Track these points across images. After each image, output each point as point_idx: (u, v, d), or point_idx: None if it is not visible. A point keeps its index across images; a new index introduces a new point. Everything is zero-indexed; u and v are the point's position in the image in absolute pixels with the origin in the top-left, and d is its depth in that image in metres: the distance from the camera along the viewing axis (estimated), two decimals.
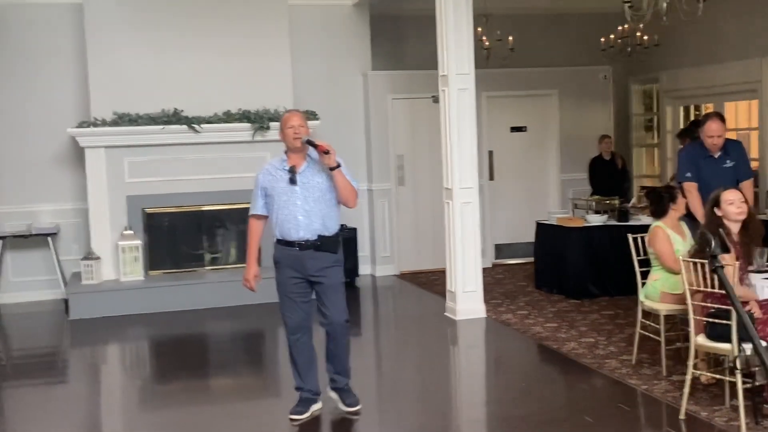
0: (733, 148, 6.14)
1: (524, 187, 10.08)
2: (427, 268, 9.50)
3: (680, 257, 4.64)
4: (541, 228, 8.36)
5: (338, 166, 4.61)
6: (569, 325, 6.79)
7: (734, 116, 9.44)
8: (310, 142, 4.63)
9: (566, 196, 9.92)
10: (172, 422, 4.99)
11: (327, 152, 4.56)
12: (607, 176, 9.53)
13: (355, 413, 4.81)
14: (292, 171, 4.65)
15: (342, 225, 8.86)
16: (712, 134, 5.96)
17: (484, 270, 8.43)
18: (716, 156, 6.05)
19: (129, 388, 6.00)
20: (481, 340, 6.82)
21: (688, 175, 6.06)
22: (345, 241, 8.74)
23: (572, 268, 7.83)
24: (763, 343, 4.38)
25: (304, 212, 4.62)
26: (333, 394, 4.92)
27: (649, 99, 11.11)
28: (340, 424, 4.80)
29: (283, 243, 4.69)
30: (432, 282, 8.90)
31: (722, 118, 6.09)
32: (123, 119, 8.16)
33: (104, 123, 8.14)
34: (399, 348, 6.82)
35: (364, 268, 9.44)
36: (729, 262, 4.36)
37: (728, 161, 6.04)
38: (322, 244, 4.66)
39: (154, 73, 8.36)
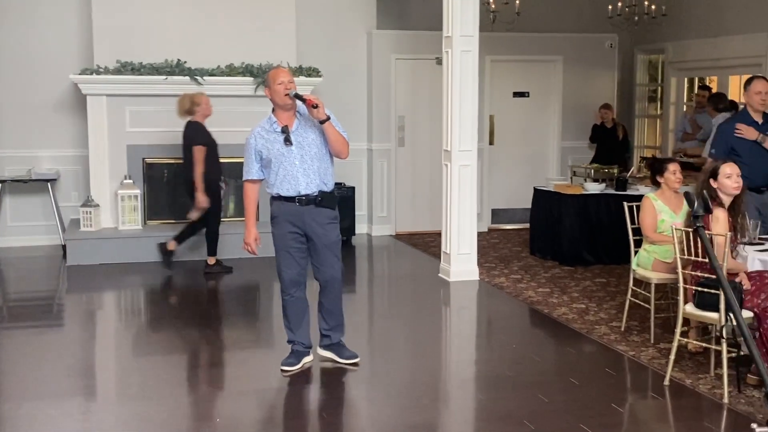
0: None
1: (524, 152, 10.09)
2: (423, 229, 9.55)
3: (672, 226, 4.69)
4: (539, 194, 8.39)
5: (328, 118, 4.60)
6: (561, 291, 6.86)
7: (738, 89, 9.41)
8: (298, 96, 4.59)
9: (566, 163, 9.95)
10: (164, 368, 5.07)
11: (316, 106, 4.53)
12: (608, 145, 9.55)
13: (354, 365, 4.89)
14: (286, 131, 4.62)
15: (340, 183, 8.94)
16: (760, 90, 5.80)
17: (480, 234, 8.51)
18: (760, 123, 5.84)
19: (123, 334, 6.08)
20: (473, 301, 6.89)
21: (713, 151, 6.00)
22: (343, 199, 8.85)
23: (567, 235, 7.88)
24: (750, 314, 4.45)
25: (303, 171, 4.63)
26: (326, 353, 4.96)
27: (655, 70, 11.07)
28: (329, 377, 4.88)
29: (282, 199, 4.70)
30: (427, 243, 8.96)
31: None
32: (126, 68, 8.14)
33: (107, 71, 8.13)
34: (392, 306, 6.89)
35: (360, 227, 9.50)
36: (721, 233, 4.41)
37: None
38: (322, 199, 4.69)
39: (158, 23, 8.32)
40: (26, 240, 8.67)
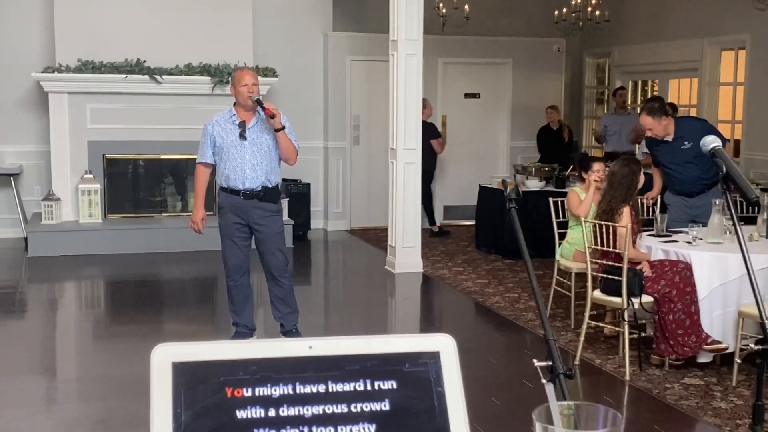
0: (687, 128, 5.68)
1: (475, 151, 10.49)
2: (377, 225, 9.89)
3: (582, 219, 5.11)
4: (483, 191, 8.79)
5: (283, 128, 4.95)
6: (498, 282, 7.26)
7: (677, 93, 9.89)
8: (259, 102, 4.93)
9: (515, 162, 10.33)
10: (121, 353, 5.37)
11: (273, 116, 4.88)
12: (554, 146, 9.96)
13: None
14: (243, 126, 4.98)
15: (296, 180, 9.28)
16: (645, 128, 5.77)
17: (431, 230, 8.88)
18: (670, 140, 5.70)
19: (83, 322, 6.39)
20: (415, 291, 7.28)
21: (645, 151, 6.40)
22: (299, 195, 9.20)
23: (508, 230, 8.28)
24: (650, 298, 4.88)
25: (251, 166, 4.98)
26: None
27: (603, 72, 11.53)
28: None
29: (228, 191, 5.06)
30: (380, 238, 9.31)
31: (651, 111, 5.60)
32: (87, 66, 8.42)
33: (68, 69, 8.41)
34: (340, 296, 7.27)
35: (316, 223, 9.82)
36: (623, 225, 4.84)
37: (686, 143, 5.67)
38: (265, 194, 5.04)
39: (118, 22, 8.60)
40: None
